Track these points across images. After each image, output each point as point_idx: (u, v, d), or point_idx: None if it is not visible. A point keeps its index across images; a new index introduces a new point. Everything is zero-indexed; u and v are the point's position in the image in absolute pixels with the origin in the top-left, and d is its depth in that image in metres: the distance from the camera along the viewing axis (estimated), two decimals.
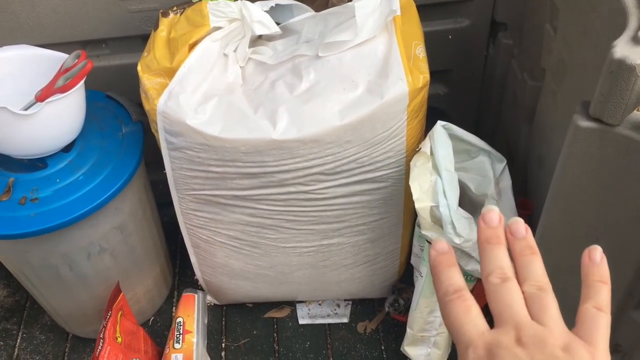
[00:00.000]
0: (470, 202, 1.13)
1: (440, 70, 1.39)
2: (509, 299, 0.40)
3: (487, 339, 0.39)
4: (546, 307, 0.40)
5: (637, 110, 0.71)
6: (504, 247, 0.43)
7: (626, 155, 0.72)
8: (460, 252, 0.99)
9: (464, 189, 1.11)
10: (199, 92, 1.03)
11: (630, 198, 0.75)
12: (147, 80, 1.05)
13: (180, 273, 1.56)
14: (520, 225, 0.43)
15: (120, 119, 1.21)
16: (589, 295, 0.41)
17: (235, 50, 1.09)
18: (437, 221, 0.99)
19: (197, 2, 1.12)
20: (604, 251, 0.42)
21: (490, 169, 1.11)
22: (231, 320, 1.45)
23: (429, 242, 1.03)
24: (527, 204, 1.17)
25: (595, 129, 0.72)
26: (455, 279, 0.42)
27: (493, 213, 0.43)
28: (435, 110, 1.35)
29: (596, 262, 0.42)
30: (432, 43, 1.26)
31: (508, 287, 0.41)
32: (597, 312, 0.40)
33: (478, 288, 1.15)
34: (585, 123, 0.72)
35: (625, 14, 0.72)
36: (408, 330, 1.25)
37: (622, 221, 0.78)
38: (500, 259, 0.42)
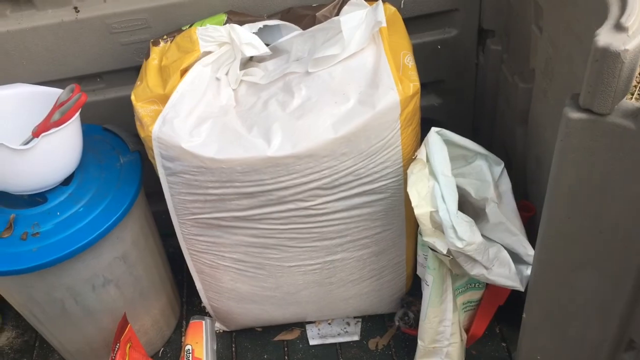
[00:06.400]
0: (471, 207, 1.13)
1: (432, 81, 1.40)
2: None
3: None
4: None
5: (628, 98, 0.71)
6: None
7: (620, 144, 0.71)
8: (464, 256, 0.98)
9: (463, 195, 1.11)
10: (192, 116, 1.04)
11: (629, 188, 0.74)
12: (141, 108, 1.06)
13: (187, 302, 1.55)
14: None
15: (118, 150, 1.22)
16: None
17: (227, 74, 1.11)
18: (438, 227, 0.99)
19: (186, 29, 1.14)
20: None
21: (488, 173, 1.11)
22: (241, 345, 1.44)
23: (432, 250, 1.02)
24: (528, 206, 1.16)
25: (586, 119, 0.71)
26: None
27: None
28: (432, 121, 1.36)
29: None
30: (423, 55, 1.27)
31: None
32: None
33: (487, 293, 1.14)
34: (576, 115, 0.72)
35: (606, 3, 0.72)
36: (419, 342, 1.23)
37: (623, 212, 0.77)
38: None
